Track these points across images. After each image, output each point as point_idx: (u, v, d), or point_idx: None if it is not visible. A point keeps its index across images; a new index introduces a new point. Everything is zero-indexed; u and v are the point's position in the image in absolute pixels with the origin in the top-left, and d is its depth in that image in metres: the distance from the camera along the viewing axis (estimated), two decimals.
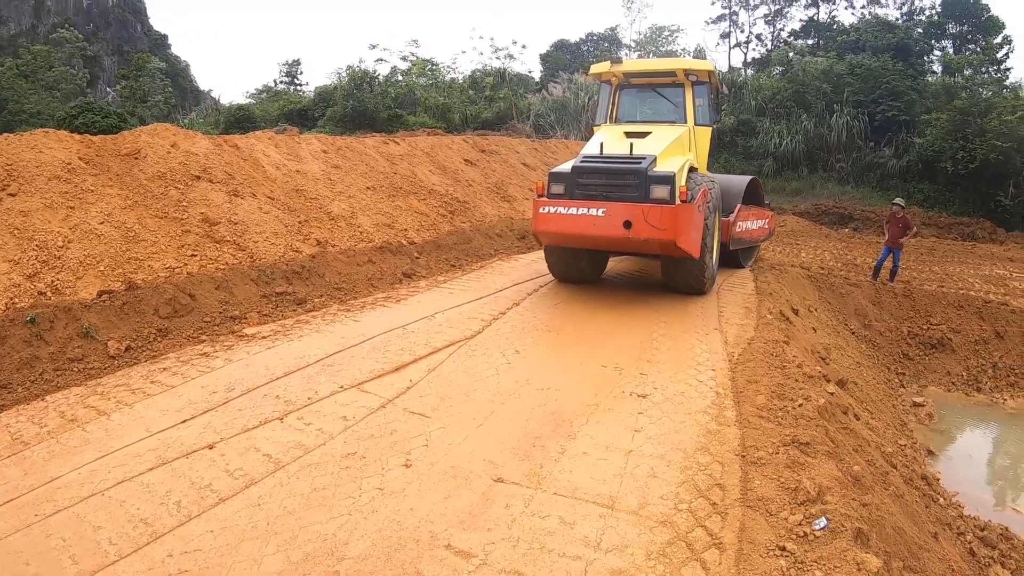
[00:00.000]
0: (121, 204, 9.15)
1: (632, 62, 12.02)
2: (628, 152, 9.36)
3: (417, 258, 11.98)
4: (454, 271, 11.95)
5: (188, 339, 7.60)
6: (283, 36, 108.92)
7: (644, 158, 9.09)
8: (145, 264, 8.57)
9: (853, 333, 12.45)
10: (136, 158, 10.12)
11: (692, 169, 10.33)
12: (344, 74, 39.59)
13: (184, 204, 9.87)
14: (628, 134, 10.29)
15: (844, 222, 27.43)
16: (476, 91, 43.80)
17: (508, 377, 6.42)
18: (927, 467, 7.90)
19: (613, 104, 11.73)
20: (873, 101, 32.80)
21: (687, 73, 11.02)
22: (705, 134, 11.49)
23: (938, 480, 7.55)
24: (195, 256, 9.17)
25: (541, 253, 11.39)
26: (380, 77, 41.59)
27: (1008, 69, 39.12)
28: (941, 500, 6.86)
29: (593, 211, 8.69)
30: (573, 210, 8.83)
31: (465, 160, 18.36)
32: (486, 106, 40.90)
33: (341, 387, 6.14)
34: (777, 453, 4.74)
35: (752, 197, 13.27)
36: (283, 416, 5.52)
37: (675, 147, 10.06)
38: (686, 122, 10.99)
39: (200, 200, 10.12)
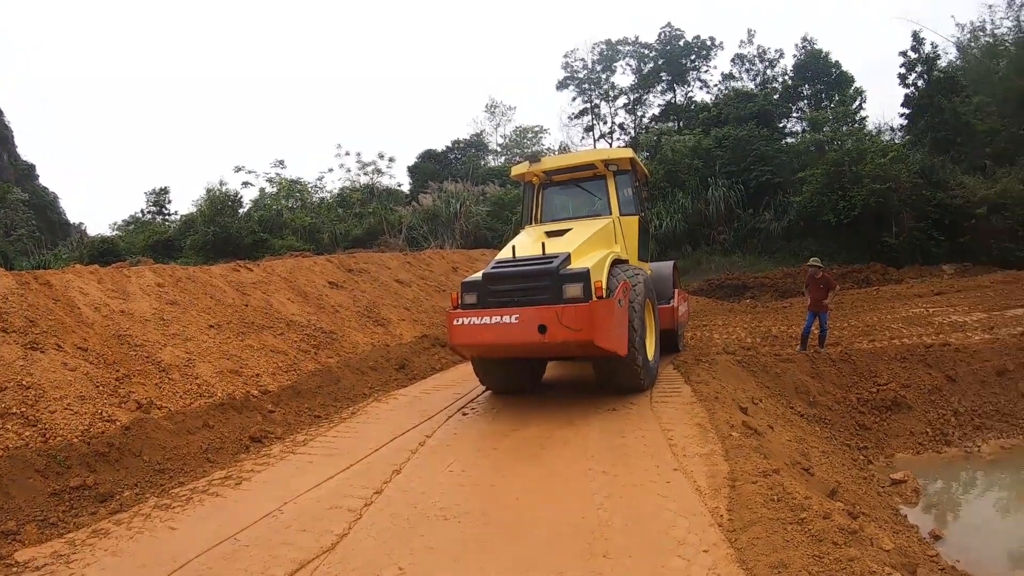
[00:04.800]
0: None
1: (551, 159, 11.80)
2: (541, 252, 8.97)
3: (271, 412, 9.39)
4: (318, 424, 9.37)
5: None
6: (155, 165, 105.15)
7: (556, 257, 8.70)
8: None
9: (802, 415, 10.71)
10: None
11: (620, 261, 10.00)
12: (204, 199, 37.26)
13: None
14: (549, 233, 10.00)
15: (740, 292, 27.69)
16: (345, 208, 42.48)
17: None
18: None
19: (536, 204, 11.71)
20: (744, 169, 33.75)
21: (607, 163, 10.95)
22: (632, 223, 11.29)
23: None
24: None
25: (424, 386, 10.72)
26: (244, 200, 39.66)
27: (864, 118, 40.82)
28: None
29: (507, 318, 8.23)
30: (487, 319, 8.38)
31: (330, 282, 15.92)
32: (356, 223, 39.47)
33: None
34: None
35: (675, 280, 13.01)
36: None
37: (595, 241, 9.82)
38: (611, 214, 10.81)
39: None
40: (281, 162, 44.16)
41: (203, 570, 4.93)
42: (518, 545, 4.90)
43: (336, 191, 47.42)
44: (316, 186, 47.35)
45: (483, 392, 10.44)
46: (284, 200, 42.52)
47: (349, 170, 49.01)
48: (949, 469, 10.08)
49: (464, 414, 9.29)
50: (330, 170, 74.68)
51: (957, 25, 43.54)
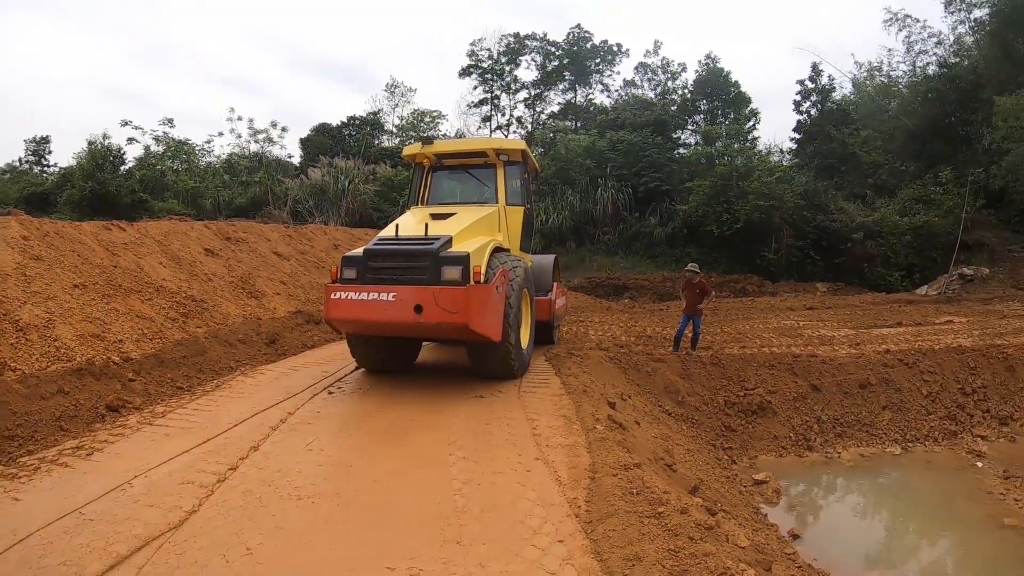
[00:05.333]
0: None
1: (443, 143, 12.01)
2: (424, 233, 9.02)
3: (131, 381, 8.88)
4: (179, 396, 8.93)
5: None
6: (40, 111, 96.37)
7: (437, 239, 8.77)
8: None
9: (670, 414, 11.03)
10: None
11: (501, 250, 10.08)
12: (84, 152, 35.19)
13: None
14: (433, 215, 10.14)
15: (620, 292, 28.36)
16: (232, 175, 41.03)
17: None
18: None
19: (425, 186, 11.77)
20: (635, 174, 34.47)
21: (498, 153, 11.12)
22: (517, 214, 11.49)
23: None
24: None
25: (293, 362, 10.91)
26: (128, 157, 37.62)
27: (756, 138, 42.90)
28: None
29: (384, 296, 8.28)
30: (364, 295, 8.38)
31: (206, 249, 15.28)
32: (241, 191, 38.17)
33: None
34: None
35: (555, 274, 13.15)
36: None
37: (478, 227, 9.92)
38: (497, 202, 10.98)
39: None
40: (170, 121, 41.91)
41: (43, 545, 4.61)
42: (371, 529, 4.79)
43: (224, 156, 45.95)
44: (204, 149, 45.65)
45: (352, 371, 10.29)
46: (169, 161, 40.80)
47: (240, 136, 47.48)
48: (810, 473, 10.60)
49: (330, 393, 9.08)
50: (220, 134, 71.47)
51: (856, 63, 46.26)
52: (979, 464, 10.80)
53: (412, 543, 4.53)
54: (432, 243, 8.65)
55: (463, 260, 8.42)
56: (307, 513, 5.08)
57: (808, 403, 11.96)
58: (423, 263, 8.50)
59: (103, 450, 6.68)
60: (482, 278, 8.46)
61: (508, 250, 10.65)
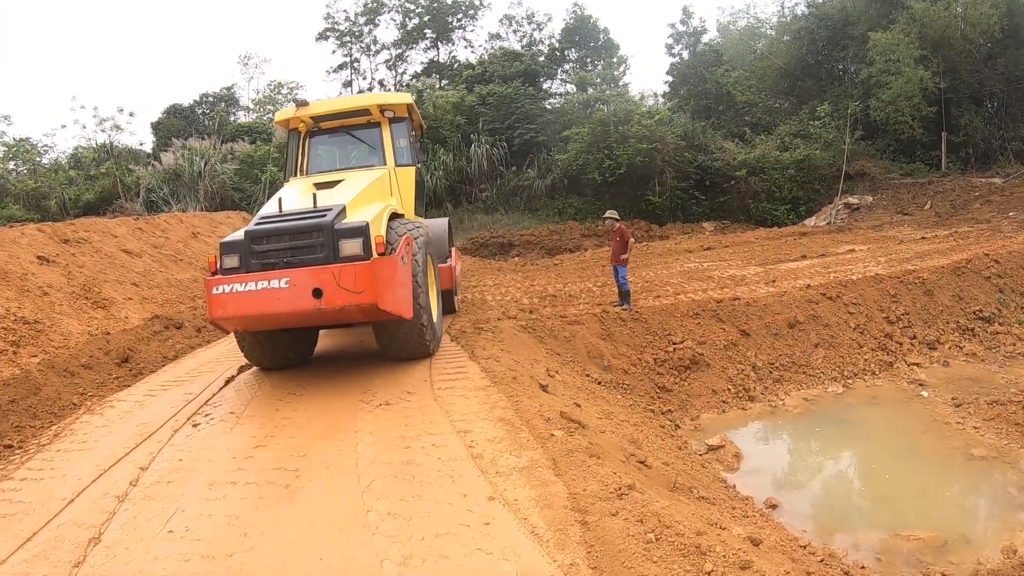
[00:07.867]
0: None
1: (320, 103, 10.83)
2: (312, 205, 7.98)
3: None
4: (8, 459, 6.59)
5: None
6: None
7: (330, 209, 7.79)
8: None
9: (599, 383, 9.97)
10: None
11: (396, 216, 9.22)
12: None
13: None
14: (318, 185, 9.11)
15: (507, 250, 27.55)
16: (79, 171, 37.61)
17: None
18: None
19: (302, 154, 10.67)
20: (509, 127, 33.87)
21: (383, 109, 10.26)
22: (408, 175, 10.65)
23: None
24: None
25: (151, 384, 9.11)
26: None
27: (627, 84, 42.56)
28: None
29: (275, 283, 7.14)
30: (252, 285, 7.19)
31: (39, 257, 13.01)
32: (87, 186, 34.88)
33: None
34: None
35: (450, 238, 12.65)
36: None
37: (371, 193, 9.04)
38: (385, 164, 10.09)
39: None
40: (7, 117, 37.74)
41: None
42: None
43: (70, 151, 42.12)
44: (46, 145, 41.74)
45: (220, 388, 8.40)
46: (9, 162, 37.16)
47: (85, 127, 43.68)
48: (759, 426, 10.10)
49: (195, 425, 7.04)
50: (63, 126, 65.99)
51: (718, 8, 47.03)
52: (924, 393, 10.59)
53: None
54: (324, 215, 7.66)
55: (363, 231, 7.50)
56: None
57: (740, 350, 11.47)
58: (317, 239, 7.49)
59: None
60: (385, 249, 7.63)
61: (403, 215, 9.74)
